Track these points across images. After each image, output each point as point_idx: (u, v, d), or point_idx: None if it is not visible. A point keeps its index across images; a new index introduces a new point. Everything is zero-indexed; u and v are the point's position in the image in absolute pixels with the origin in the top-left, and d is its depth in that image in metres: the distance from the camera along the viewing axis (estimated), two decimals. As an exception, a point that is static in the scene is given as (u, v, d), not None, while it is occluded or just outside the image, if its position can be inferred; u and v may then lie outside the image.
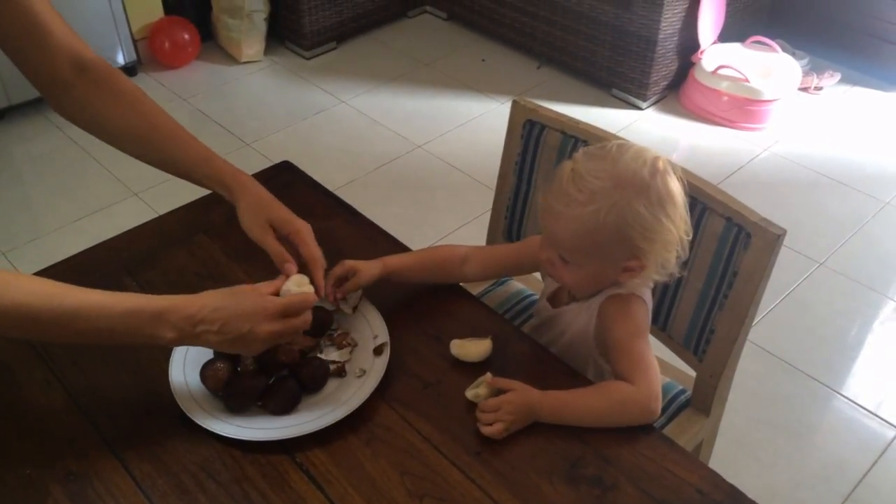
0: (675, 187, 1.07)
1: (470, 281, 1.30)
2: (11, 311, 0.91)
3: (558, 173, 1.09)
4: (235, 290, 1.03)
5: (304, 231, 1.15)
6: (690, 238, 1.10)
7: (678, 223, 1.07)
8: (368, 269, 1.18)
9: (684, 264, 1.14)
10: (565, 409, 1.05)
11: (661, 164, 1.06)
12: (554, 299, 1.26)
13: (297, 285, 1.07)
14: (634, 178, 1.05)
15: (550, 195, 1.09)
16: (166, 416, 1.05)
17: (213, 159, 1.19)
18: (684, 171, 1.21)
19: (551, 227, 1.10)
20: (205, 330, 0.98)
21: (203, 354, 1.11)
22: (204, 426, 1.02)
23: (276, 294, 1.05)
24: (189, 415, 1.03)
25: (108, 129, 1.19)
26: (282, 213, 1.17)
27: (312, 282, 1.10)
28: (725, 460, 1.78)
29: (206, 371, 1.08)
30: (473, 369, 1.10)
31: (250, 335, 1.00)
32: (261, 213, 1.15)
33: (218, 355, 1.10)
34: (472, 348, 1.13)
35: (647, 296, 1.17)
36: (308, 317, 1.06)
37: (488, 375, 1.06)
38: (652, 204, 1.04)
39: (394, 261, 1.21)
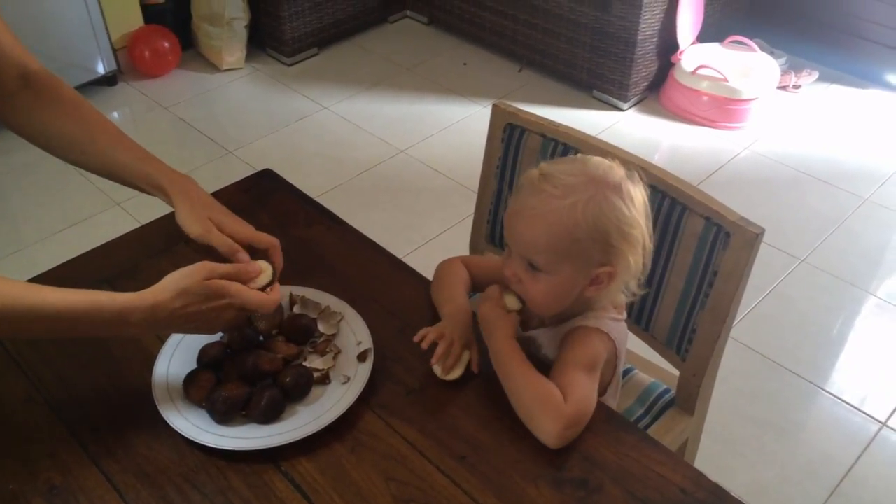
0: (641, 192, 1.07)
1: None
2: None
3: (525, 180, 1.07)
4: (194, 276, 1.02)
5: (245, 229, 1.16)
6: (652, 250, 1.09)
7: (645, 225, 1.07)
8: (466, 335, 1.14)
9: (647, 281, 1.12)
10: (504, 363, 1.07)
11: (624, 171, 1.07)
12: (524, 322, 1.24)
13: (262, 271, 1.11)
14: (606, 176, 1.05)
15: (520, 198, 1.07)
16: (150, 428, 1.04)
17: (153, 161, 1.19)
18: (663, 171, 1.22)
19: (522, 230, 1.06)
20: (168, 325, 1.02)
21: (186, 364, 1.10)
22: (187, 437, 1.02)
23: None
24: (173, 425, 1.03)
25: (50, 139, 1.19)
26: (220, 215, 1.17)
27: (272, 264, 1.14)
28: (712, 458, 1.79)
29: (189, 382, 1.08)
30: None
31: (215, 322, 1.05)
32: (202, 213, 1.15)
33: (201, 366, 1.10)
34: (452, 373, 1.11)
35: (616, 332, 1.13)
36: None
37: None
38: (625, 199, 1.04)
39: (466, 308, 1.18)
